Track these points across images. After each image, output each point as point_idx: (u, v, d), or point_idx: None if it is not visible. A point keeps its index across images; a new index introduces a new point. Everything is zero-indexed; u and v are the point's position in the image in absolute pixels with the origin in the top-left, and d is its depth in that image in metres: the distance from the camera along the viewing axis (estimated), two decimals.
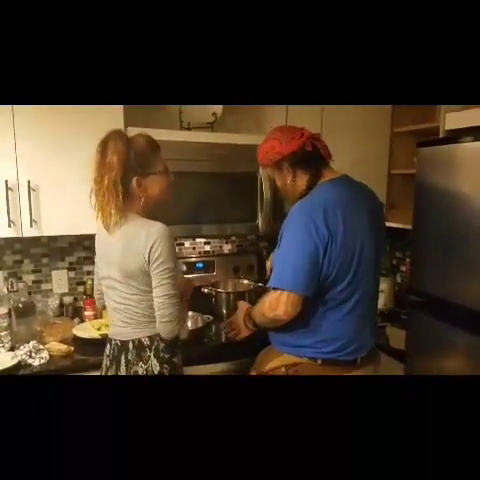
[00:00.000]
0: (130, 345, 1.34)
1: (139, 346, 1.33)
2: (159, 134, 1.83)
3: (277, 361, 1.41)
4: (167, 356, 1.34)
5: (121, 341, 1.36)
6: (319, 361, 1.34)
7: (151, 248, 1.23)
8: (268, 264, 1.98)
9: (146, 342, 1.33)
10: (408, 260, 2.54)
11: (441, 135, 1.76)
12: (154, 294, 1.28)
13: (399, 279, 2.60)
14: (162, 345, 1.34)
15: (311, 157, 1.35)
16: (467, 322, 1.41)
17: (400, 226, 2.17)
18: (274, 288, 1.30)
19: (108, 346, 1.42)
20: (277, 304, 1.28)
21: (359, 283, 1.34)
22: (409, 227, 2.16)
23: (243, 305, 1.60)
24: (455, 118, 1.64)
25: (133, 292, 1.30)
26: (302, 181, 1.38)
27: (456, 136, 1.45)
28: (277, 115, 2.10)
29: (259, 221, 2.06)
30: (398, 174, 2.31)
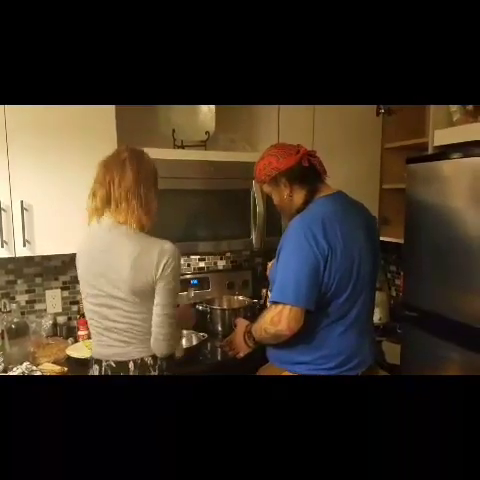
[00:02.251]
0: (130, 365, 1.29)
1: (142, 366, 1.29)
2: (153, 153, 1.85)
3: None
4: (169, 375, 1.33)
5: (117, 362, 1.30)
6: None
7: (164, 266, 1.23)
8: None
9: (150, 361, 1.30)
10: (402, 274, 2.56)
11: (430, 151, 1.79)
12: (155, 311, 1.27)
13: (394, 293, 2.60)
14: (165, 364, 1.32)
15: (307, 173, 1.38)
16: (461, 337, 1.41)
17: (394, 240, 2.19)
18: (275, 302, 1.28)
19: (96, 368, 1.33)
20: (279, 319, 1.26)
21: (358, 297, 1.35)
22: (402, 241, 2.20)
23: (242, 322, 1.57)
24: (443, 135, 1.68)
25: (138, 310, 1.26)
26: (299, 196, 1.40)
27: (445, 152, 1.48)
28: (269, 133, 2.13)
29: (253, 237, 2.07)
30: (390, 189, 2.34)
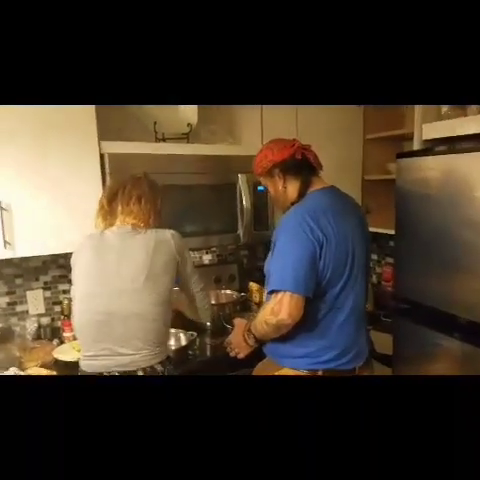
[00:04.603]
0: (139, 374, 1.26)
1: (153, 374, 1.27)
2: (134, 147, 1.81)
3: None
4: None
5: (124, 372, 1.25)
6: (320, 372, 1.35)
7: (180, 246, 1.37)
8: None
9: (159, 368, 1.28)
10: (383, 262, 2.61)
11: (417, 145, 1.81)
12: (194, 289, 1.47)
13: (375, 280, 2.66)
14: (171, 367, 1.31)
15: (301, 165, 1.41)
16: (452, 328, 1.45)
17: (375, 230, 2.22)
18: (275, 291, 1.29)
19: None
20: (280, 307, 1.26)
21: (352, 288, 1.38)
22: (384, 231, 2.24)
23: (240, 322, 1.57)
24: (431, 128, 1.70)
25: (153, 301, 1.28)
26: (293, 188, 1.43)
27: (433, 147, 1.51)
28: (252, 122, 2.11)
29: (240, 231, 2.05)
30: (371, 180, 2.36)
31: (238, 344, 1.50)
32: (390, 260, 2.56)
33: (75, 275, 1.36)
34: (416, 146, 1.82)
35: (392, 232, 2.17)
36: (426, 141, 1.73)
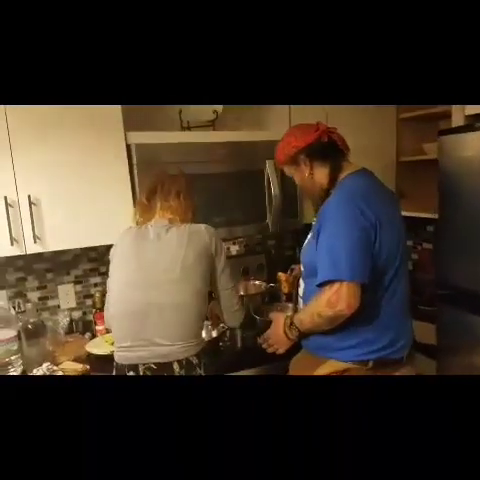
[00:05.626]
0: (175, 366, 1.25)
1: (188, 366, 1.25)
2: (161, 137, 1.78)
3: (323, 369, 1.31)
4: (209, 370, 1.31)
5: (159, 364, 1.25)
6: (370, 363, 1.27)
7: (215, 240, 1.36)
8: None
9: (195, 361, 1.27)
10: (419, 248, 2.50)
11: (459, 122, 1.70)
12: (220, 287, 1.41)
13: (411, 267, 2.55)
14: (207, 361, 1.29)
15: (328, 149, 1.34)
16: None
17: (410, 214, 2.11)
18: (329, 281, 1.20)
19: (132, 374, 1.26)
20: (337, 298, 1.18)
21: (403, 272, 1.31)
22: (420, 215, 2.13)
23: (278, 316, 1.46)
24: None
25: (190, 291, 1.29)
26: (321, 174, 1.36)
27: (474, 122, 1.40)
28: (280, 108, 2.03)
29: (269, 220, 1.99)
30: (406, 162, 2.25)
31: (278, 339, 1.41)
32: (427, 246, 2.45)
33: (113, 267, 1.38)
34: (456, 123, 1.71)
35: (429, 216, 2.08)
36: (468, 117, 1.62)
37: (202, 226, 1.38)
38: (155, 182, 1.44)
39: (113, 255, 1.40)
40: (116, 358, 1.32)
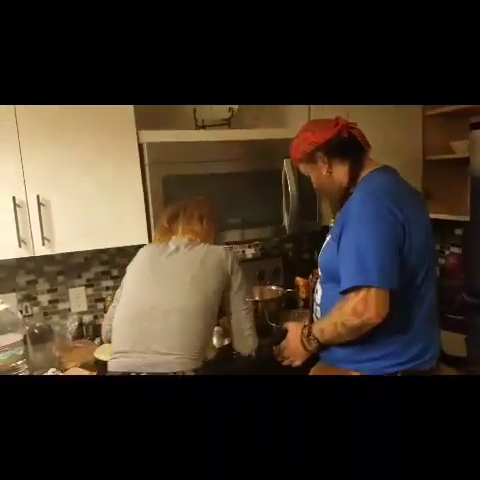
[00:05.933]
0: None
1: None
2: (173, 136, 1.71)
3: None
4: None
5: (151, 375, 1.19)
6: (399, 375, 1.17)
7: (232, 260, 1.36)
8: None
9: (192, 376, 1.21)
10: (447, 253, 2.37)
11: None
12: (233, 307, 1.36)
13: (438, 273, 2.42)
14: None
15: (348, 145, 1.25)
16: None
17: (437, 216, 1.99)
18: (356, 288, 1.09)
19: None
20: (365, 306, 1.07)
21: (432, 276, 1.21)
22: (448, 218, 2.01)
23: (294, 326, 1.35)
24: None
25: (197, 300, 1.26)
26: (340, 173, 1.27)
27: None
28: (299, 105, 1.95)
29: (285, 222, 1.90)
30: (433, 161, 2.13)
31: (294, 351, 1.31)
32: (456, 250, 2.31)
33: (126, 278, 1.39)
34: None
35: (458, 218, 1.96)
36: None
37: (221, 246, 1.39)
38: (178, 206, 1.46)
39: (129, 268, 1.41)
40: (109, 367, 1.28)
